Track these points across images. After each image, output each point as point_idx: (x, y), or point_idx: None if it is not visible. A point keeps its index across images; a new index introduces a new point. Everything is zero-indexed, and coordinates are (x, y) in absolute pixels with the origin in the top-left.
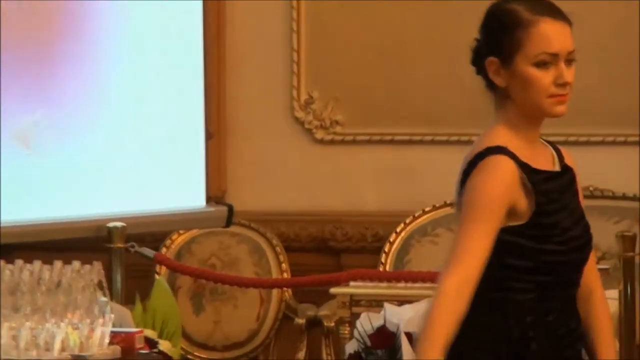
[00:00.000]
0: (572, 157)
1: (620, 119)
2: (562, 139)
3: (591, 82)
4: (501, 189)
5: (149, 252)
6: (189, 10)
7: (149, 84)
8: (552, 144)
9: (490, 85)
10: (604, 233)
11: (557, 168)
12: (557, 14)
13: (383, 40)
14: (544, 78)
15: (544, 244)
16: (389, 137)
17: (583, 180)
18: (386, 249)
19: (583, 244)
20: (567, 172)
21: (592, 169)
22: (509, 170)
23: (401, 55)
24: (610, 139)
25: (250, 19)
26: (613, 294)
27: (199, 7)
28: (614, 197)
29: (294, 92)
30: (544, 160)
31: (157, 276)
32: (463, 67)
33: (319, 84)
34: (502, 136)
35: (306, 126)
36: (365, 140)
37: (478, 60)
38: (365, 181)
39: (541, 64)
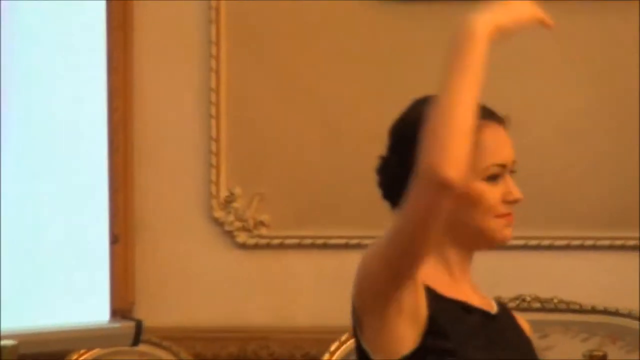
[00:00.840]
0: (527, 324)
1: (587, 221)
2: (520, 242)
3: (552, 180)
4: None
5: None
6: (96, 92)
7: (43, 176)
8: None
9: None
10: (570, 352)
11: (493, 310)
12: (499, 118)
13: (316, 128)
14: (494, 195)
15: None
16: (322, 241)
17: (545, 291)
18: None
19: None
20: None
21: (556, 278)
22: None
23: (338, 147)
24: (577, 242)
25: (160, 104)
26: None
27: (103, 89)
28: (581, 311)
29: (213, 188)
30: (478, 297)
31: None
32: None
33: (242, 178)
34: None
35: (226, 228)
36: (295, 244)
37: (396, 185)
38: (295, 292)
39: (492, 178)
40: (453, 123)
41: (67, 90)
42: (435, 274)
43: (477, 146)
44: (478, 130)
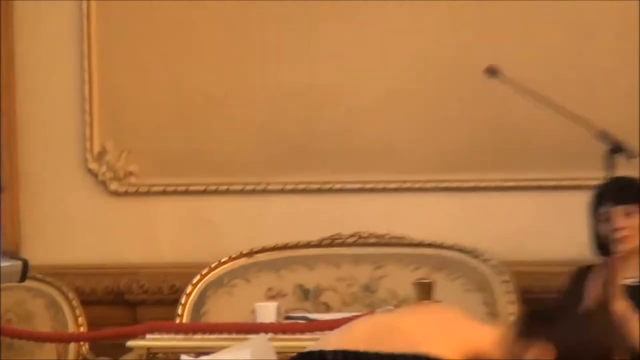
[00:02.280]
0: None
1: (416, 165)
2: (357, 186)
3: (384, 133)
4: None
5: None
6: None
7: None
8: None
9: None
10: (402, 280)
11: None
12: None
13: (177, 89)
14: None
15: None
16: (183, 188)
17: (379, 228)
18: (183, 301)
19: None
20: None
21: (388, 216)
22: None
23: (195, 105)
24: (407, 185)
25: (39, 69)
26: None
27: None
28: (411, 245)
29: (87, 143)
30: None
31: None
32: (257, 114)
33: (112, 134)
34: None
35: (100, 178)
36: (160, 191)
37: None
38: (161, 232)
39: None
40: None
41: None
42: None
43: None
44: None
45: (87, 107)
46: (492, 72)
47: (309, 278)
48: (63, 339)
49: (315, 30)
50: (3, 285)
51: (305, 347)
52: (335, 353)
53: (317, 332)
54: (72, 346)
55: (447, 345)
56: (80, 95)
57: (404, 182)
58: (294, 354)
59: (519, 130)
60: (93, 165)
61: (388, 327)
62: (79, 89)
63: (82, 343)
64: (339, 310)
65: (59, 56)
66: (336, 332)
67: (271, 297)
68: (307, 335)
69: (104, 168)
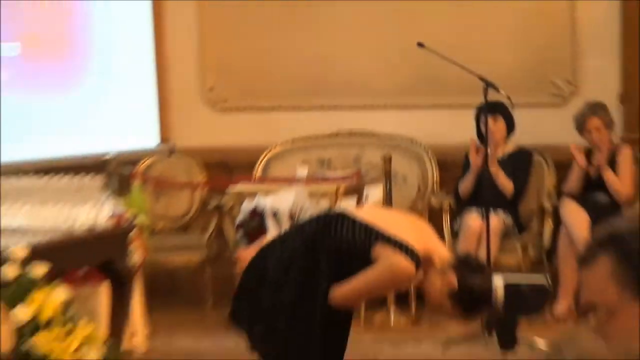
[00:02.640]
0: None
1: (382, 93)
2: (349, 105)
3: (372, 72)
4: None
5: (129, 169)
6: (141, 45)
7: (120, 79)
8: None
9: None
10: (375, 155)
11: None
12: None
13: (252, 50)
14: None
15: None
16: (258, 106)
17: (362, 128)
18: (257, 166)
19: None
20: None
21: (367, 122)
22: None
23: (262, 58)
24: (377, 104)
25: (178, 41)
26: (379, 187)
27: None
28: (380, 136)
29: (203, 83)
30: None
31: (134, 184)
32: (297, 65)
33: (217, 77)
34: None
35: (211, 102)
36: (244, 107)
37: None
38: (246, 131)
39: None
40: None
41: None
42: None
43: None
44: None
45: (204, 62)
46: (420, 45)
47: (324, 154)
48: (193, 186)
49: (327, 16)
50: (161, 157)
51: (323, 191)
52: (355, 220)
53: (330, 183)
54: (198, 190)
55: (417, 241)
56: (198, 54)
57: (375, 103)
58: (320, 195)
59: (441, 73)
60: (207, 95)
61: (389, 218)
62: (198, 51)
63: (203, 188)
64: (341, 171)
65: (187, 34)
66: (360, 209)
67: (303, 164)
68: (324, 185)
69: (213, 96)
